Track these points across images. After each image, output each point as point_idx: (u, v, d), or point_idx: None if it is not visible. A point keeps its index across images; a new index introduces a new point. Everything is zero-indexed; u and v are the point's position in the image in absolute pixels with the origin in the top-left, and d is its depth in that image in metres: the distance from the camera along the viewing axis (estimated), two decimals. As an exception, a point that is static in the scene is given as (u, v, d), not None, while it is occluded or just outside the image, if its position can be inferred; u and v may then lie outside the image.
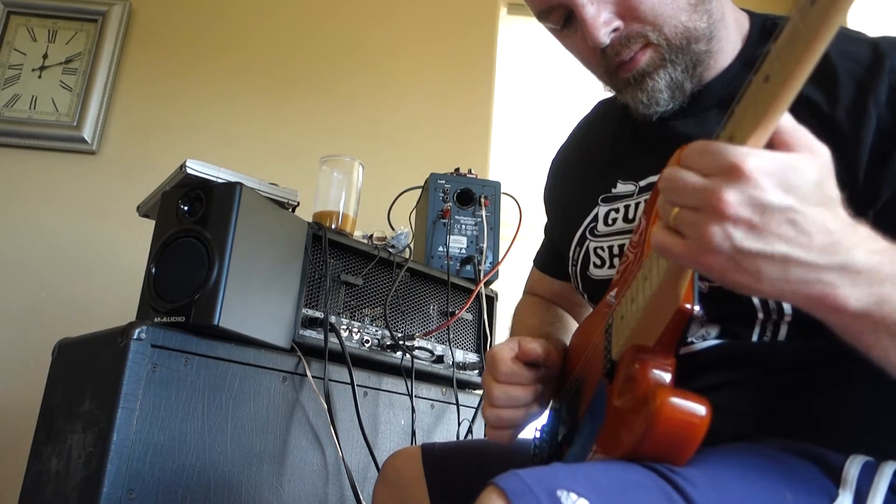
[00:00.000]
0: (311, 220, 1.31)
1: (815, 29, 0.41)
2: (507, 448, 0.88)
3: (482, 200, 1.56)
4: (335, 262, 1.28)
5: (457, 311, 1.45)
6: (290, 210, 1.22)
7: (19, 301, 1.97)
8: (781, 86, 0.43)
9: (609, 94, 0.84)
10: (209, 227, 1.04)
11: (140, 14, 2.26)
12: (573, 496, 0.47)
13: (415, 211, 1.72)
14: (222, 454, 1.02)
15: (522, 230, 1.60)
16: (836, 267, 0.46)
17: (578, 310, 1.04)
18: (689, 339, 0.69)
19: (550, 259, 1.03)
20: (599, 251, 0.82)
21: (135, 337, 0.93)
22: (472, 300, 1.47)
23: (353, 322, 1.28)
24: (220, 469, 1.01)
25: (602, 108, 0.96)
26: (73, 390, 1.01)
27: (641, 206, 0.78)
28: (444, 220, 1.54)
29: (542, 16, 0.76)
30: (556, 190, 0.98)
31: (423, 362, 1.36)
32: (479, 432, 1.40)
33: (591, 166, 0.90)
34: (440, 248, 1.52)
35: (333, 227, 1.37)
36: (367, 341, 1.29)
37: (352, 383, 1.18)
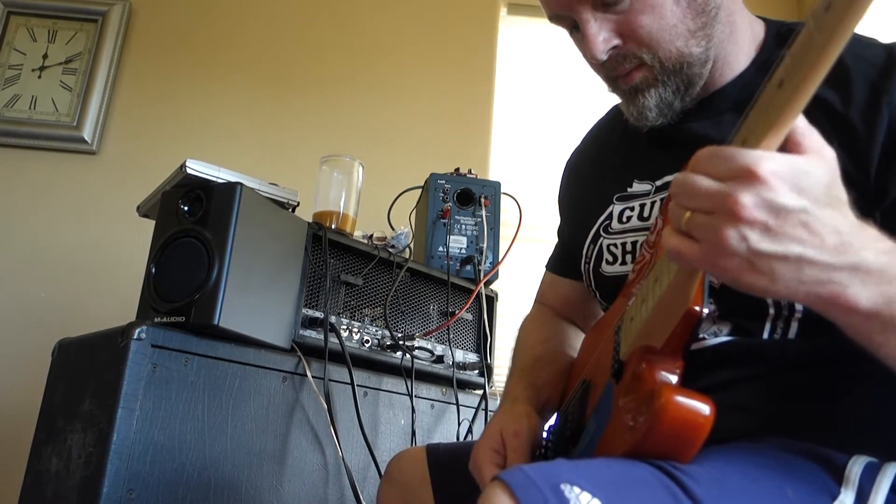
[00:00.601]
0: (311, 220, 1.31)
1: (829, 35, 0.41)
2: None
3: (482, 200, 1.56)
4: (335, 262, 1.28)
5: (457, 311, 1.45)
6: (290, 210, 1.22)
7: (19, 301, 1.97)
8: (795, 91, 0.44)
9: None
10: (209, 227, 1.04)
11: (140, 14, 2.26)
12: (576, 490, 0.47)
13: (415, 211, 1.72)
14: (222, 454, 1.02)
15: (522, 230, 1.60)
16: (847, 267, 0.47)
17: (587, 322, 1.03)
18: (701, 336, 0.69)
19: (564, 261, 1.03)
20: (612, 248, 0.83)
21: (135, 337, 0.93)
22: (472, 300, 1.47)
23: (353, 322, 1.28)
24: (220, 469, 1.01)
25: (617, 110, 0.97)
26: (73, 390, 1.01)
27: (657, 205, 0.80)
28: (444, 220, 1.54)
29: (553, 20, 0.81)
30: (571, 191, 0.99)
31: (423, 362, 1.36)
32: (478, 432, 1.40)
33: (605, 166, 0.91)
34: (440, 248, 1.52)
35: (333, 227, 1.37)
36: (367, 341, 1.29)
37: (352, 383, 1.18)
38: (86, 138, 2.09)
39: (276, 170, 1.98)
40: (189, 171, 1.06)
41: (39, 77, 2.16)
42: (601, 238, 0.85)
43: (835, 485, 0.57)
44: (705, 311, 0.53)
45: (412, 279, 1.42)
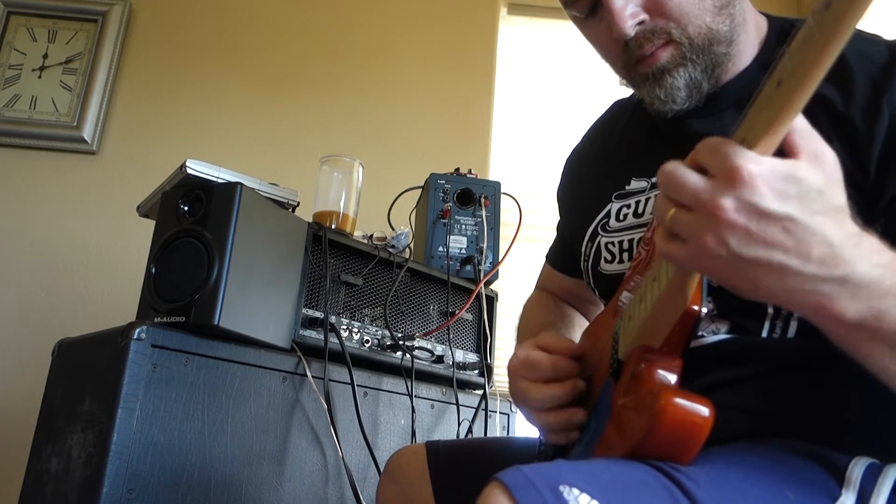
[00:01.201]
0: (311, 220, 1.31)
1: (829, 34, 0.41)
2: (511, 447, 0.88)
3: (482, 200, 1.56)
4: (335, 262, 1.28)
5: (457, 311, 1.45)
6: (290, 210, 1.22)
7: (19, 301, 1.97)
8: (794, 90, 0.43)
9: (624, 92, 0.84)
10: (209, 227, 1.04)
11: (140, 14, 2.26)
12: (575, 491, 0.47)
13: (415, 211, 1.72)
14: (222, 454, 1.02)
15: (522, 230, 1.60)
16: (835, 279, 0.46)
17: (588, 307, 1.05)
18: (699, 334, 0.69)
19: (562, 256, 1.04)
20: (610, 246, 0.83)
21: (135, 337, 0.93)
22: (472, 300, 1.47)
23: (353, 322, 1.28)
24: (220, 469, 1.01)
25: (617, 108, 0.97)
26: (73, 390, 1.01)
27: (653, 202, 0.79)
28: (444, 220, 1.54)
29: (569, 3, 0.77)
30: (570, 188, 0.99)
31: (423, 362, 1.36)
32: (478, 432, 1.40)
33: (605, 164, 0.90)
34: (440, 248, 1.52)
35: (333, 227, 1.37)
36: (367, 341, 1.29)
37: (352, 383, 1.18)
38: (86, 138, 2.09)
39: (276, 170, 1.98)
40: (189, 171, 1.06)
41: (39, 77, 2.16)
42: (599, 236, 0.85)
43: (836, 486, 0.57)
44: (704, 310, 0.53)
45: (412, 279, 1.42)
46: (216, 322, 1.00)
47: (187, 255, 1.04)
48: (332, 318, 1.22)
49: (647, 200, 0.81)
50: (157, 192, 1.17)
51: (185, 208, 1.08)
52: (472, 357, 1.47)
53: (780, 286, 0.46)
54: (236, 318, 1.03)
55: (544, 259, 1.10)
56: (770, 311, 0.67)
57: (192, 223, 1.06)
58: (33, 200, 2.06)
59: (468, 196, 1.58)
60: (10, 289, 1.98)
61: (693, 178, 0.47)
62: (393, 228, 1.65)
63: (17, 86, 2.14)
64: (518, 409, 0.80)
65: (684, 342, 0.56)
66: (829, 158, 0.47)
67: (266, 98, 2.21)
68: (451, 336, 1.43)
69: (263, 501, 1.06)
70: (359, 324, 1.29)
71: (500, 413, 1.45)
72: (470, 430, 1.39)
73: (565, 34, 2.26)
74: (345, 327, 1.25)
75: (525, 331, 1.03)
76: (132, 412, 0.92)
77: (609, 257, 0.83)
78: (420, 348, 1.35)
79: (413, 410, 1.29)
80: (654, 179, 0.81)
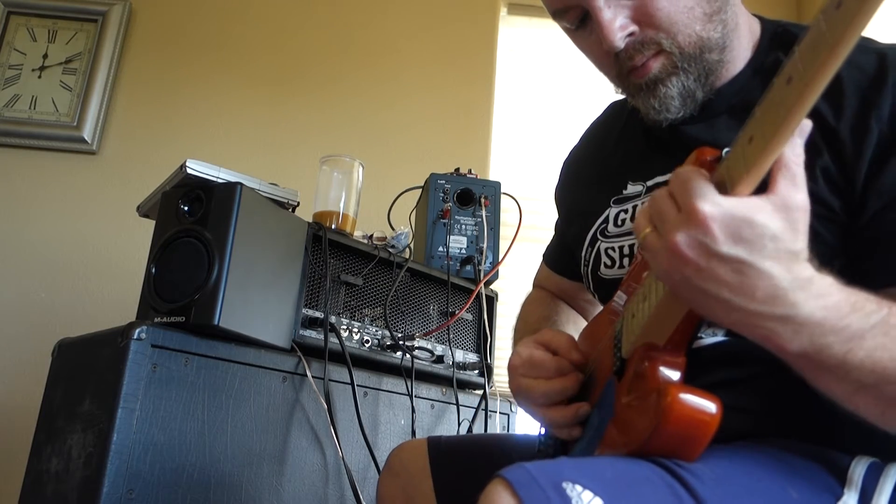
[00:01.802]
0: (311, 220, 1.31)
1: (840, 33, 0.41)
2: (513, 443, 0.88)
3: (482, 200, 1.56)
4: (335, 262, 1.28)
5: (457, 312, 1.45)
6: (290, 210, 1.22)
7: (19, 301, 1.97)
8: (804, 87, 0.43)
9: (619, 96, 0.84)
10: (209, 227, 1.04)
11: (140, 14, 2.26)
12: (578, 488, 0.47)
13: (415, 211, 1.72)
14: (222, 454, 1.02)
15: (522, 230, 1.60)
16: (777, 317, 0.49)
17: (585, 307, 1.06)
18: (698, 335, 0.69)
19: (559, 257, 1.04)
20: (610, 252, 0.83)
21: (135, 337, 0.93)
22: (472, 300, 1.47)
23: (353, 322, 1.28)
24: (220, 469, 1.01)
25: (613, 110, 0.97)
26: (73, 390, 1.01)
27: None
28: (444, 220, 1.54)
29: (558, 15, 0.77)
30: (568, 191, 0.99)
31: (423, 362, 1.36)
32: (478, 432, 1.40)
33: (602, 168, 0.90)
34: (440, 248, 1.52)
35: (333, 227, 1.37)
36: (367, 341, 1.29)
37: (352, 383, 1.18)
38: (86, 138, 2.08)
39: (276, 170, 1.98)
40: (189, 171, 1.06)
41: (39, 77, 2.16)
42: (598, 242, 0.85)
43: (838, 486, 0.57)
44: None
45: (412, 279, 1.42)
46: (216, 322, 1.00)
47: (187, 255, 1.04)
48: (332, 318, 1.22)
49: (642, 205, 0.80)
50: (157, 192, 1.17)
51: (185, 208, 1.08)
52: (472, 357, 1.47)
53: (727, 317, 0.50)
54: (236, 318, 1.03)
55: (542, 257, 1.11)
56: None
57: (192, 223, 1.06)
58: (33, 200, 2.06)
59: (468, 196, 1.58)
60: (10, 289, 1.98)
61: (665, 208, 0.50)
62: (393, 228, 1.65)
63: (17, 86, 2.14)
64: (520, 407, 0.80)
65: (688, 340, 0.57)
66: (797, 205, 0.48)
67: (266, 98, 2.21)
68: (451, 336, 1.43)
69: (263, 501, 1.06)
70: (359, 324, 1.29)
71: (500, 413, 1.45)
72: (470, 431, 1.39)
73: (565, 34, 2.26)
74: (345, 327, 1.25)
75: (523, 326, 1.03)
76: (132, 412, 0.92)
77: (609, 262, 0.83)
78: (420, 348, 1.35)
79: (413, 410, 1.29)
80: (649, 183, 0.81)
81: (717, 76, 0.75)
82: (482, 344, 1.49)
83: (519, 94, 2.33)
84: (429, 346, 1.38)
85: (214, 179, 1.08)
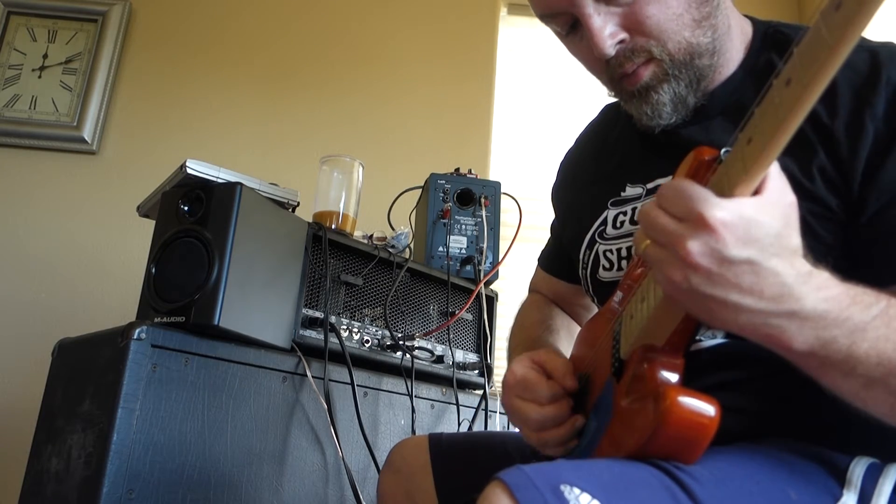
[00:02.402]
0: (311, 220, 1.31)
1: (839, 35, 0.41)
2: (513, 440, 0.88)
3: (482, 200, 1.56)
4: (335, 262, 1.28)
5: (457, 312, 1.45)
6: (290, 210, 1.22)
7: (19, 301, 1.97)
8: (803, 89, 0.43)
9: (613, 98, 0.84)
10: (209, 227, 1.04)
11: (140, 14, 2.26)
12: (576, 491, 0.47)
13: (415, 211, 1.72)
14: (222, 454, 1.02)
15: (522, 230, 1.61)
16: (783, 313, 0.49)
17: (579, 312, 1.05)
18: (697, 338, 0.69)
19: (555, 260, 1.04)
20: (608, 254, 0.83)
21: (135, 337, 0.93)
22: (472, 300, 1.47)
23: (353, 322, 1.28)
24: (220, 469, 1.01)
25: (609, 111, 0.96)
26: (73, 390, 1.01)
27: None
28: (444, 220, 1.54)
29: (548, 19, 0.76)
30: (566, 193, 0.99)
31: (423, 362, 1.36)
32: (479, 432, 1.40)
33: (599, 170, 0.90)
34: (440, 249, 1.52)
35: (333, 227, 1.37)
36: (367, 341, 1.29)
37: (352, 383, 1.18)
38: (86, 138, 2.09)
39: (276, 170, 1.98)
40: (189, 171, 1.06)
41: (39, 77, 2.16)
42: (597, 244, 0.85)
43: (837, 487, 0.57)
44: None
45: (412, 279, 1.42)
46: (216, 322, 1.00)
47: (187, 255, 1.04)
48: (332, 318, 1.22)
49: (642, 206, 0.80)
50: (157, 192, 1.17)
51: (185, 208, 1.08)
52: (472, 357, 1.47)
53: (734, 320, 0.50)
54: (236, 318, 1.03)
55: (536, 262, 1.10)
56: None
57: (192, 223, 1.06)
58: (33, 200, 2.06)
59: (468, 196, 1.58)
60: (10, 289, 1.98)
61: (665, 220, 0.50)
62: (393, 228, 1.65)
63: (17, 86, 2.14)
64: (512, 425, 0.79)
65: (687, 342, 0.56)
66: (789, 201, 0.50)
67: (266, 98, 2.21)
68: (451, 336, 1.43)
69: (263, 501, 1.06)
70: (359, 324, 1.29)
71: (500, 413, 1.45)
72: (470, 430, 1.39)
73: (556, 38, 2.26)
74: (345, 327, 1.25)
75: (518, 331, 1.02)
76: (132, 412, 0.92)
77: (607, 265, 0.83)
78: (420, 348, 1.35)
79: (413, 410, 1.29)
80: (648, 186, 0.81)
81: (709, 80, 0.75)
82: (482, 344, 1.49)
83: (519, 95, 2.33)
84: (429, 346, 1.38)
85: (214, 179, 1.08)
